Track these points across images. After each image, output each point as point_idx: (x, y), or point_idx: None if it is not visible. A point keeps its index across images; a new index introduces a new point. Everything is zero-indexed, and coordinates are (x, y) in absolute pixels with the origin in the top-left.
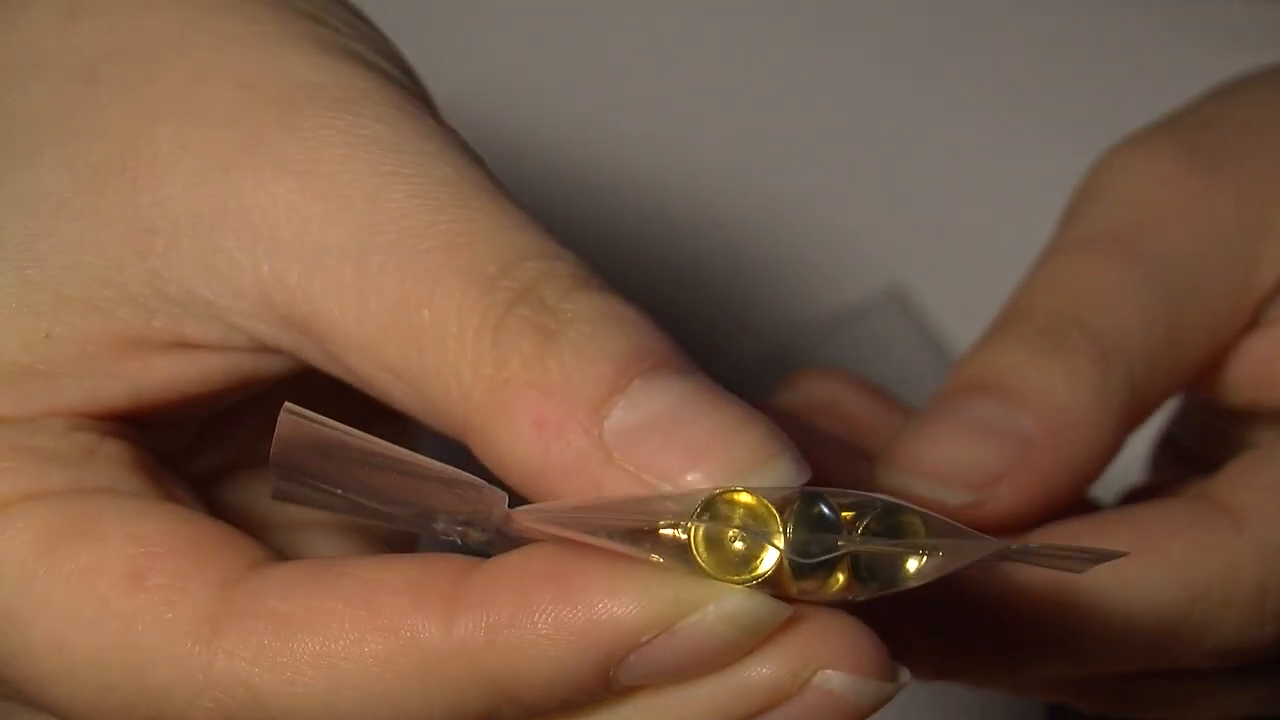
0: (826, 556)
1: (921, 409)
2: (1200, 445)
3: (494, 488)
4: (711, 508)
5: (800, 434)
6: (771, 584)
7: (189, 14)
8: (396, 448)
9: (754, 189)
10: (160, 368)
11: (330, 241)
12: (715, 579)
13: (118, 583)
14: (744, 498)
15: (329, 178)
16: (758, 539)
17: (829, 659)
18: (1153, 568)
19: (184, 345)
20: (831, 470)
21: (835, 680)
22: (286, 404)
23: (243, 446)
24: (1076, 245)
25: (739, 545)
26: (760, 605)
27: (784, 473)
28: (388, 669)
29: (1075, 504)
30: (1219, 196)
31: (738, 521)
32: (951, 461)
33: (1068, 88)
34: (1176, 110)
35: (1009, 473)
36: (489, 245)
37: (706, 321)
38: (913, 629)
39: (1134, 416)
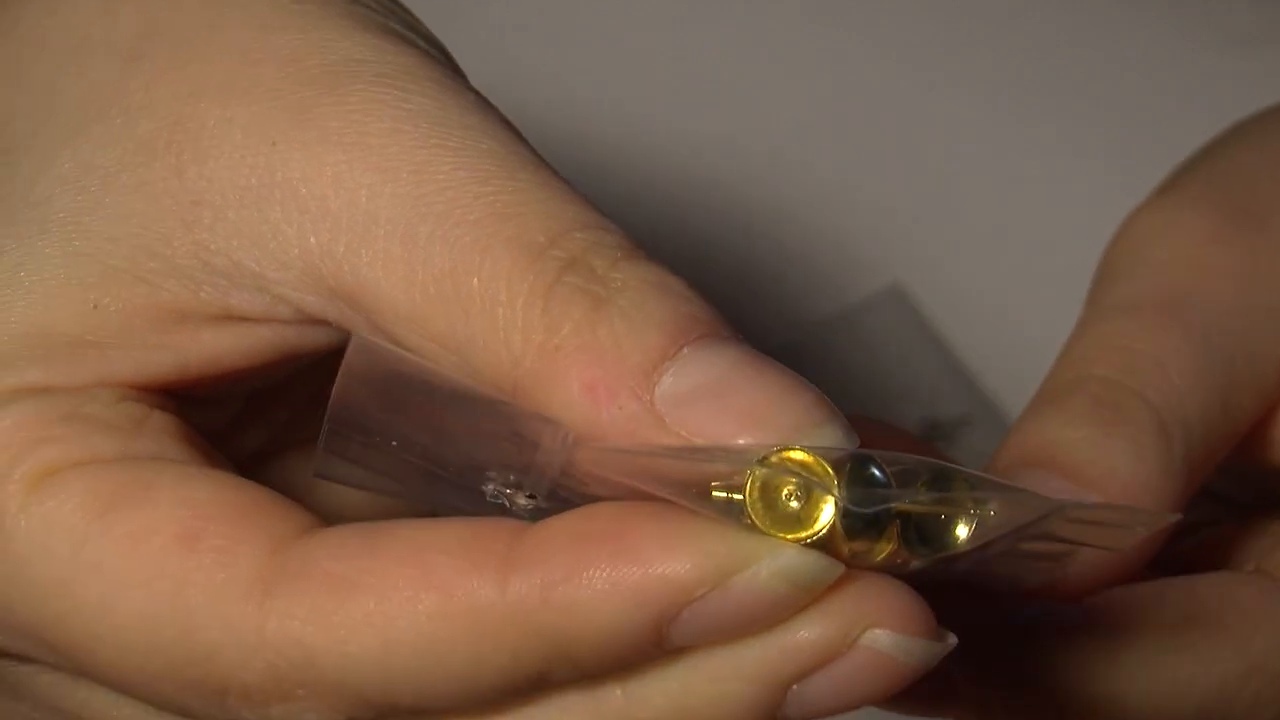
0: (882, 506)
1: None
2: (1231, 487)
3: (560, 423)
4: (767, 465)
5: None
6: (822, 545)
7: None
8: (462, 378)
9: (755, 190)
10: (207, 340)
11: (378, 213)
12: (769, 535)
13: (169, 545)
14: (799, 455)
15: (376, 150)
16: (815, 488)
17: (877, 618)
18: (1209, 636)
19: (230, 317)
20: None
21: (884, 640)
22: (355, 334)
23: (282, 427)
24: (1125, 310)
25: (793, 504)
26: (813, 561)
27: (834, 438)
28: (441, 629)
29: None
30: (1266, 257)
31: (794, 479)
32: None
33: (1069, 87)
34: (1198, 162)
35: (1079, 553)
36: (537, 216)
37: None
38: (962, 675)
39: (1193, 484)
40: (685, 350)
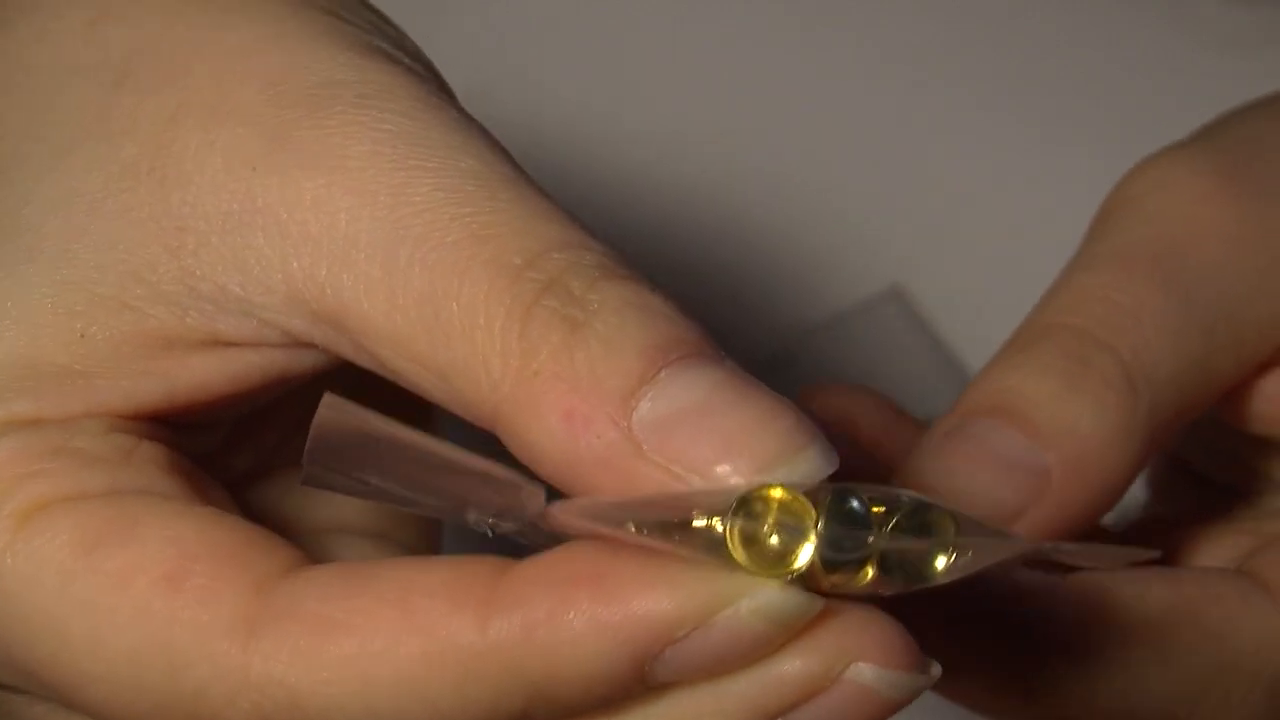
0: (860, 554)
1: (937, 424)
2: (1211, 466)
3: (533, 484)
4: (746, 504)
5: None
6: (802, 578)
7: (213, 17)
8: (435, 440)
9: (755, 190)
10: (195, 366)
11: (357, 236)
12: (749, 573)
13: (155, 584)
14: (778, 493)
15: (355, 173)
16: (794, 535)
17: (860, 652)
18: (1187, 629)
19: (218, 343)
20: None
21: (867, 673)
22: (327, 393)
23: (272, 449)
24: (1109, 261)
25: (774, 540)
26: (793, 598)
27: (814, 462)
28: (424, 670)
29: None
30: (1261, 222)
31: (773, 518)
32: (970, 493)
33: (1068, 88)
34: (1212, 126)
35: (1028, 509)
36: (515, 236)
37: (707, 324)
38: (935, 636)
39: (1156, 445)
40: (663, 373)
